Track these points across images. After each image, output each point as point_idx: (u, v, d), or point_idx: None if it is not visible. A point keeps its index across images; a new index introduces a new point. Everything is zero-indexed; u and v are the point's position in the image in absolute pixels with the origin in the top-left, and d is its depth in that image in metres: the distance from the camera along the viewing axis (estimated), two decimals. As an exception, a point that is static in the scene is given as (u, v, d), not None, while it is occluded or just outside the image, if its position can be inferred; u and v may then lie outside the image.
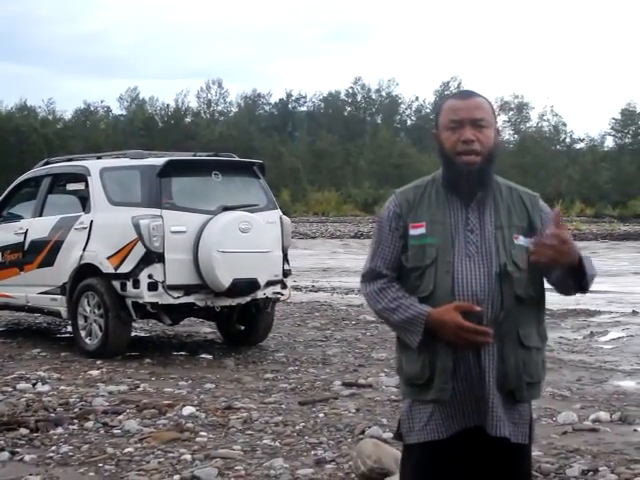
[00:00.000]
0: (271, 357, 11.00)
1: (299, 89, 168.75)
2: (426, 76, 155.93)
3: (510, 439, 3.58)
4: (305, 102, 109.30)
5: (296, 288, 18.57)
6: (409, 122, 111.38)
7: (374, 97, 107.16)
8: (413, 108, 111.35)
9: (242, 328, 11.79)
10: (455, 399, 3.56)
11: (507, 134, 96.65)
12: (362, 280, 3.78)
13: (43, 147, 72.19)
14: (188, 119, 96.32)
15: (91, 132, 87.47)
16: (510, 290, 3.54)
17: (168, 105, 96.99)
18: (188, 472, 6.34)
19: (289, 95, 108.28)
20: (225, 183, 11.23)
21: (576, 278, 3.55)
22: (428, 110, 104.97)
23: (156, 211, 10.52)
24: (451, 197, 3.62)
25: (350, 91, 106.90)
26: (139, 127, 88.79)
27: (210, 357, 10.92)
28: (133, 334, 12.42)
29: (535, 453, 6.72)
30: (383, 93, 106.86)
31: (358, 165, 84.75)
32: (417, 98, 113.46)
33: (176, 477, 6.25)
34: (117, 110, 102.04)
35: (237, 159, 11.96)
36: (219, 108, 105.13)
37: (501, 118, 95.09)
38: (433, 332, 3.53)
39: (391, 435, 6.80)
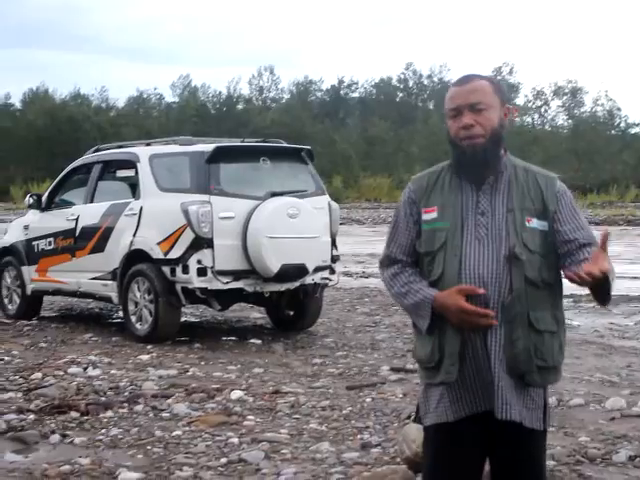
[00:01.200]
0: (320, 342, 11.04)
1: (351, 75, 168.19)
2: (478, 61, 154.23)
3: (520, 423, 3.56)
4: (357, 88, 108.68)
5: (346, 274, 18.61)
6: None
7: (426, 83, 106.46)
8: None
9: (291, 313, 11.83)
10: (463, 382, 3.57)
11: (561, 119, 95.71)
12: (380, 266, 3.85)
13: (96, 135, 72.67)
14: (240, 106, 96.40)
15: (144, 120, 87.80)
16: (520, 273, 3.53)
17: (220, 92, 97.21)
18: (235, 455, 6.39)
19: (341, 81, 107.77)
20: (273, 169, 11.25)
21: (600, 293, 3.54)
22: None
23: (205, 197, 10.58)
24: (464, 181, 3.64)
25: (402, 77, 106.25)
26: (191, 115, 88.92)
27: (259, 342, 10.97)
28: (183, 319, 12.54)
29: (582, 438, 6.73)
30: (435, 79, 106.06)
31: (410, 151, 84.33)
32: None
33: (223, 460, 6.30)
34: (170, 98, 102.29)
35: (285, 145, 11.98)
36: (271, 95, 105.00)
37: (555, 103, 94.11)
38: (441, 315, 3.55)
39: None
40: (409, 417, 7.26)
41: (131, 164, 11.64)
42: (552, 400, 7.65)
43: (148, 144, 12.22)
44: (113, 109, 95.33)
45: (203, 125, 79.72)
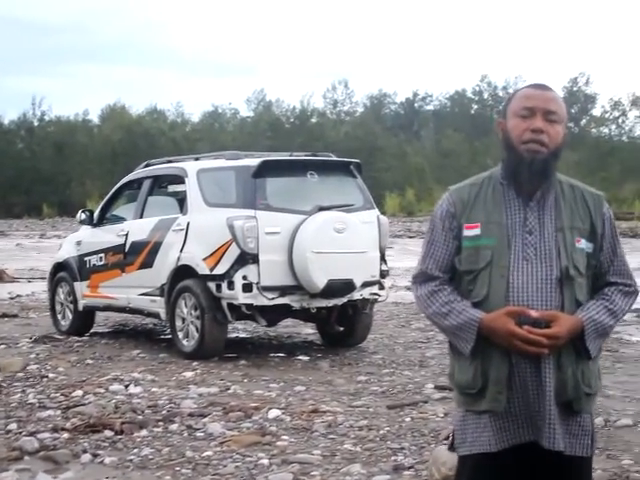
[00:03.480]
0: (368, 359, 10.84)
1: (425, 88, 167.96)
2: (553, 72, 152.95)
3: (565, 452, 3.37)
4: (431, 101, 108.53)
5: (408, 288, 18.34)
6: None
7: (501, 94, 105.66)
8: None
9: (341, 329, 11.65)
10: (509, 410, 3.37)
11: (639, 130, 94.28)
12: (413, 282, 3.61)
13: (172, 150, 73.40)
14: (314, 120, 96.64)
15: (218, 134, 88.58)
16: (571, 296, 3.35)
17: (294, 107, 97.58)
18: (262, 477, 6.27)
19: (415, 94, 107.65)
20: (321, 183, 11.09)
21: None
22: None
23: (250, 212, 10.47)
24: (509, 196, 3.43)
25: (477, 89, 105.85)
26: (265, 129, 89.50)
27: (306, 358, 10.82)
28: (234, 335, 12.49)
29: (625, 461, 6.47)
30: (510, 90, 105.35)
31: (485, 163, 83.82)
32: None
33: (250, 482, 6.17)
34: (244, 112, 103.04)
35: (333, 158, 11.81)
36: (345, 108, 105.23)
37: (633, 113, 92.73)
38: (487, 339, 3.35)
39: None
40: (447, 438, 7.05)
41: (179, 179, 11.60)
42: (599, 420, 7.38)
43: (197, 159, 12.17)
44: (188, 124, 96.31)
45: (277, 139, 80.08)
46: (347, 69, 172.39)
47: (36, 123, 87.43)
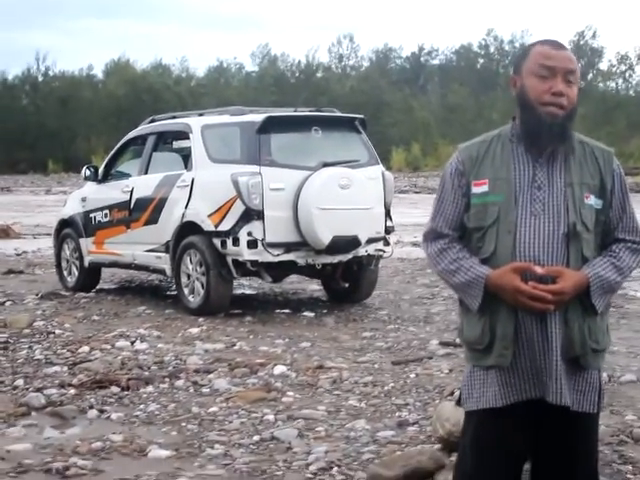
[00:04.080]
0: (373, 315, 10.86)
1: (431, 42, 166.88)
2: (560, 26, 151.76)
3: (572, 408, 3.39)
4: (437, 55, 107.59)
5: (415, 244, 18.32)
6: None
7: (507, 49, 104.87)
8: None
9: (346, 286, 11.65)
10: (515, 366, 3.38)
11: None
12: (423, 240, 3.62)
13: (177, 105, 73.10)
14: (319, 74, 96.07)
15: (224, 89, 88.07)
16: (577, 251, 3.35)
17: (299, 61, 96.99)
18: (268, 433, 6.28)
19: (421, 48, 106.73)
20: (325, 138, 11.04)
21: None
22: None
23: (255, 168, 10.44)
24: (518, 153, 3.42)
25: (483, 43, 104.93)
26: (270, 83, 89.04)
27: (312, 315, 10.83)
28: (240, 291, 12.50)
29: (629, 417, 6.49)
30: (517, 44, 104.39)
31: (491, 118, 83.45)
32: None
33: (256, 437, 6.20)
34: (250, 67, 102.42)
35: (337, 114, 11.76)
36: (350, 63, 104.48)
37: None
38: (495, 295, 3.35)
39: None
40: (452, 394, 7.07)
41: (184, 135, 11.57)
42: (603, 376, 7.39)
43: (201, 114, 12.12)
44: (193, 79, 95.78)
45: (282, 94, 79.72)
46: (352, 23, 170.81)
47: (40, 78, 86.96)
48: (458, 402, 3.66)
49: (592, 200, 3.39)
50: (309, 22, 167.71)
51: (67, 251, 13.16)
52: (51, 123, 76.86)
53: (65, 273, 13.20)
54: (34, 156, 73.10)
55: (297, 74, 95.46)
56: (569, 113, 3.36)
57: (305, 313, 10.93)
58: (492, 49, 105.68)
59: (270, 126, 10.68)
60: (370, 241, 10.86)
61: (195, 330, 9.86)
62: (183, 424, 6.54)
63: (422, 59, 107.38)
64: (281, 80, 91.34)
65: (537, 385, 3.38)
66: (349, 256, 10.80)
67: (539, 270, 3.29)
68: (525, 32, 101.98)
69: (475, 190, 3.44)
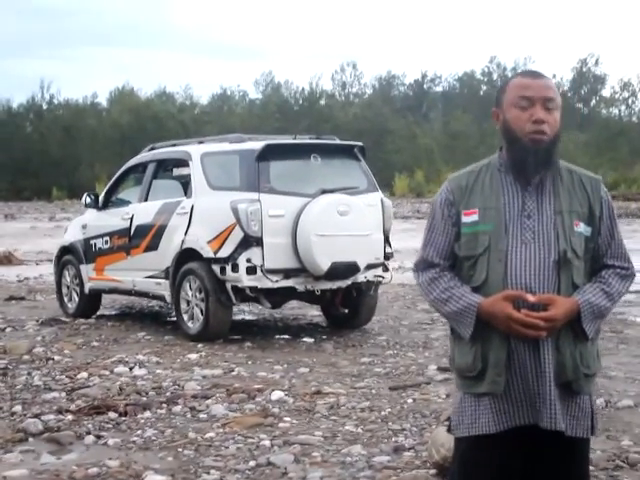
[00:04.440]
0: (372, 341, 10.87)
1: (434, 69, 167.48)
2: (563, 53, 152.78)
3: (566, 433, 3.41)
4: (440, 82, 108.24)
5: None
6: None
7: (510, 76, 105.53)
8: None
9: (346, 311, 11.68)
10: (508, 393, 3.41)
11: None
12: (415, 269, 3.66)
13: (180, 132, 73.31)
14: (322, 102, 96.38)
15: (227, 117, 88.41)
16: (568, 279, 3.39)
17: (303, 88, 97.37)
18: (264, 458, 6.29)
19: (424, 76, 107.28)
20: (324, 166, 11.10)
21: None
22: (566, 88, 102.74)
23: (254, 195, 10.50)
24: (507, 181, 3.46)
25: (485, 70, 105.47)
26: (273, 111, 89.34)
27: (311, 340, 10.85)
28: (240, 317, 12.53)
29: (625, 442, 6.49)
30: (519, 72, 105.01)
31: (494, 144, 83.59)
32: (554, 76, 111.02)
33: (252, 463, 6.20)
34: (253, 94, 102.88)
35: (337, 142, 11.81)
36: (354, 90, 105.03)
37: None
38: (487, 323, 3.39)
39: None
40: (448, 419, 7.06)
41: (184, 162, 11.64)
42: (600, 401, 7.42)
43: (201, 142, 12.18)
44: (197, 106, 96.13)
45: (285, 121, 79.95)
46: (356, 51, 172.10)
47: (45, 107, 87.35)
48: (449, 429, 3.68)
49: (582, 227, 3.42)
50: (312, 50, 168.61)
51: (68, 277, 13.21)
52: (55, 151, 77.15)
53: (66, 299, 13.24)
54: (38, 183, 73.34)
55: (300, 101, 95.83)
56: (553, 139, 3.41)
57: (304, 339, 10.95)
58: (495, 76, 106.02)
59: (269, 153, 10.74)
60: (369, 267, 10.91)
61: (194, 356, 9.88)
62: (180, 449, 6.55)
63: (425, 86, 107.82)
64: (284, 107, 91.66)
65: (530, 411, 3.41)
66: (348, 282, 10.83)
67: (531, 298, 3.33)
68: (528, 59, 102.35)
69: (465, 219, 3.48)
